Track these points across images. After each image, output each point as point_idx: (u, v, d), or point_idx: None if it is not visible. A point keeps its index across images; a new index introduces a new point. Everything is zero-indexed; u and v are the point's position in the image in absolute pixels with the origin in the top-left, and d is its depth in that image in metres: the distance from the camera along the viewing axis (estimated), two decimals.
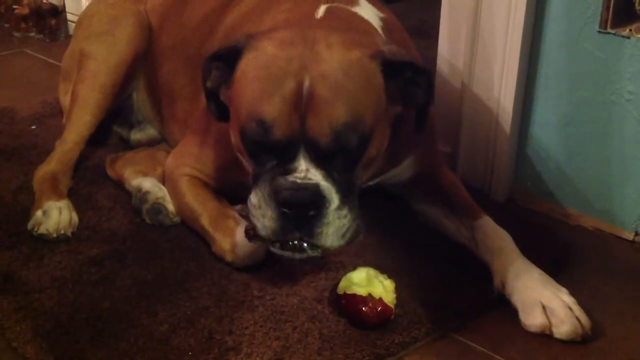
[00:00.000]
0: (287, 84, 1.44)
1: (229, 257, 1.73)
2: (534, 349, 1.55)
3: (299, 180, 1.44)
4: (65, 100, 2.27)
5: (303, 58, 1.46)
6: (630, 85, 1.83)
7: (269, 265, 1.75)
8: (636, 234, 1.93)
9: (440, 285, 1.69)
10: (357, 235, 1.52)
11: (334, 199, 1.46)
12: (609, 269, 1.83)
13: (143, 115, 2.30)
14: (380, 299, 1.52)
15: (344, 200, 1.47)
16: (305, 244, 1.47)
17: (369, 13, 1.76)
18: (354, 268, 1.71)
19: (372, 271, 1.58)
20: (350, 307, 1.53)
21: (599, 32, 1.85)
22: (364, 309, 1.52)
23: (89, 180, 2.14)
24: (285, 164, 1.46)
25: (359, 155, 1.50)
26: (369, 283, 1.55)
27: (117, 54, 2.14)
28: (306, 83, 1.43)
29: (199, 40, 2.04)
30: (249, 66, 1.52)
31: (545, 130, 2.02)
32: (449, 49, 2.12)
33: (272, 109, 1.44)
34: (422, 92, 1.57)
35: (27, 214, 1.93)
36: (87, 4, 2.54)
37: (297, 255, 1.49)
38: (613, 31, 1.83)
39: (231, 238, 1.72)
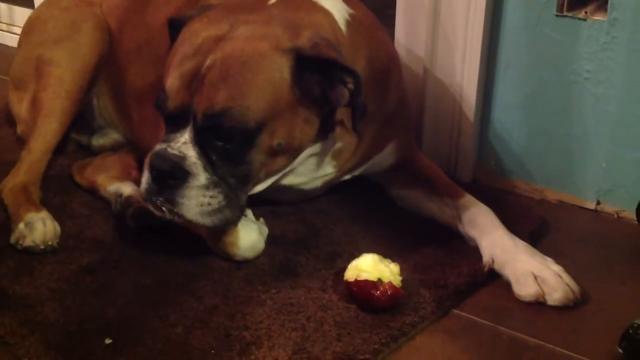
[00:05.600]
0: (190, 62, 1.57)
1: (230, 250, 1.75)
2: (531, 317, 1.64)
3: (169, 150, 1.57)
4: (20, 109, 2.21)
5: (216, 40, 1.58)
6: (588, 65, 1.96)
7: (266, 260, 1.79)
8: (597, 202, 2.06)
9: (434, 266, 1.76)
10: (226, 221, 1.64)
11: (200, 177, 1.57)
12: (579, 238, 1.96)
13: (105, 121, 2.27)
14: (390, 283, 1.58)
15: (217, 182, 1.58)
16: (165, 208, 1.60)
17: (336, 6, 1.77)
18: (349, 257, 1.77)
19: (376, 256, 1.63)
20: (362, 293, 1.58)
21: (557, 15, 1.96)
22: (375, 293, 1.57)
23: (57, 190, 2.10)
24: (172, 133, 1.59)
25: (245, 144, 1.57)
26: (376, 268, 1.60)
27: (81, 59, 2.10)
28: (206, 64, 1.55)
29: (167, 40, 2.03)
30: (179, 38, 1.66)
31: (507, 112, 2.12)
32: (407, 35, 2.19)
33: (172, 81, 1.58)
34: (350, 92, 1.61)
35: (2, 228, 1.89)
36: None
37: (159, 214, 1.62)
38: (570, 14, 1.94)
39: (233, 229, 1.74)
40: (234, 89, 1.54)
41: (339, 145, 1.81)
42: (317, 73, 1.59)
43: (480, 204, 1.85)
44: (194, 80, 1.56)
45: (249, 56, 1.56)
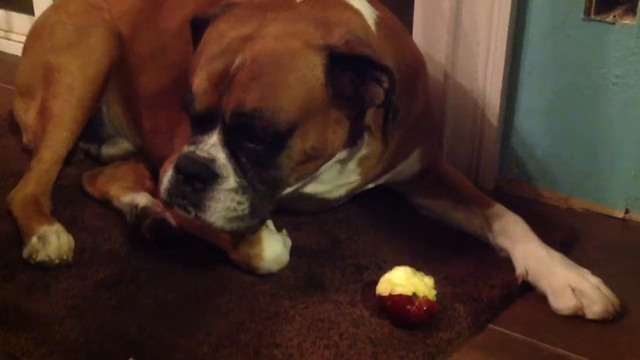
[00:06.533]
0: (218, 62, 1.51)
1: (254, 263, 1.69)
2: (570, 331, 1.58)
3: (197, 151, 1.51)
4: (26, 117, 2.14)
5: (244, 39, 1.51)
6: (616, 69, 1.90)
7: (290, 273, 1.72)
8: (626, 211, 2.01)
9: (466, 278, 1.70)
10: (249, 229, 1.57)
11: (230, 181, 1.50)
12: (608, 248, 1.89)
13: (115, 129, 2.20)
14: (425, 297, 1.52)
15: (246, 187, 1.52)
16: (190, 210, 1.53)
17: (364, 6, 1.72)
18: (376, 269, 1.72)
19: (409, 269, 1.57)
20: (396, 308, 1.52)
21: (584, 19, 1.91)
22: (411, 308, 1.51)
23: (67, 201, 2.03)
24: (199, 135, 1.53)
25: (276, 146, 1.51)
26: (410, 281, 1.54)
27: (92, 65, 2.04)
28: (235, 64, 1.49)
29: (182, 46, 1.96)
30: (204, 38, 1.60)
31: (531, 117, 2.07)
32: (426, 39, 2.12)
33: (199, 82, 1.52)
34: (384, 91, 1.55)
35: (12, 242, 1.82)
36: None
37: (183, 213, 1.55)
38: (598, 18, 1.89)
39: (257, 241, 1.67)
40: (266, 88, 1.48)
41: (364, 151, 1.75)
42: (350, 71, 1.53)
43: (511, 213, 1.79)
44: (223, 81, 1.50)
45: (280, 54, 1.49)
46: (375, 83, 1.54)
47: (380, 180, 1.90)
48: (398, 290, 1.52)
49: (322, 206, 1.92)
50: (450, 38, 2.08)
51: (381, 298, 1.55)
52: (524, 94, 2.05)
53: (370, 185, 1.91)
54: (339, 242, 1.86)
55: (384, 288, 1.55)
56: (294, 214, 1.92)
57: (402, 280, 1.54)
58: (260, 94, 1.48)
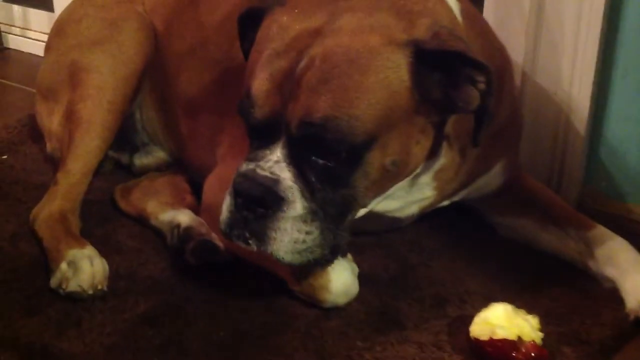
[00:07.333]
0: (281, 61, 1.29)
1: (319, 295, 1.45)
2: None
3: (258, 170, 1.28)
4: (50, 123, 1.90)
5: (313, 34, 1.29)
6: None
7: (360, 307, 1.48)
8: None
9: (570, 315, 1.46)
10: (319, 261, 1.34)
11: (297, 206, 1.28)
12: None
13: (149, 136, 1.98)
14: (533, 342, 1.28)
15: (315, 212, 1.28)
16: (252, 243, 1.31)
17: None
18: (460, 302, 1.48)
19: (509, 307, 1.33)
20: (499, 355, 1.28)
21: None
22: (517, 355, 1.27)
23: (99, 218, 1.81)
24: (260, 149, 1.31)
25: (351, 162, 1.27)
26: (512, 322, 1.30)
27: (124, 64, 1.81)
28: (302, 63, 1.27)
29: (226, 41, 1.73)
30: (262, 33, 1.38)
31: (623, 125, 1.84)
32: (499, 34, 1.86)
33: (259, 84, 1.30)
34: (479, 93, 1.30)
35: (37, 267, 1.59)
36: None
37: (243, 245, 1.32)
38: None
39: (323, 271, 1.44)
40: (339, 93, 1.24)
41: (441, 163, 1.50)
42: (438, 71, 1.29)
43: (617, 237, 1.55)
44: (287, 83, 1.27)
45: (356, 53, 1.25)
46: (469, 84, 1.29)
47: (456, 197, 1.66)
48: (500, 334, 1.29)
49: (389, 225, 1.68)
50: (530, 32, 1.84)
51: (479, 343, 1.31)
52: (616, 99, 1.83)
53: (445, 202, 1.66)
54: (411, 268, 1.63)
55: (482, 330, 1.31)
56: (354, 234, 1.68)
57: (503, 321, 1.30)
58: (332, 100, 1.24)
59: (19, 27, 3.13)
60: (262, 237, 1.29)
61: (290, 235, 1.28)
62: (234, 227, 1.31)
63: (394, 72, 1.27)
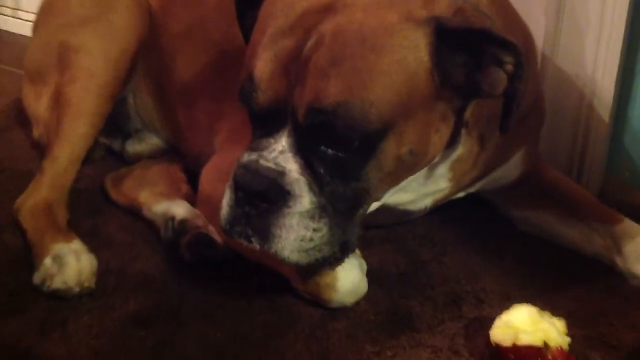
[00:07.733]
0: (287, 40, 1.19)
1: (325, 294, 1.35)
2: None
3: (261, 161, 1.18)
4: (37, 107, 1.79)
5: (322, 10, 1.18)
6: None
7: (369, 306, 1.38)
8: None
9: (596, 316, 1.37)
10: (328, 261, 1.24)
11: (304, 201, 1.18)
12: None
13: (143, 122, 1.88)
14: (560, 348, 1.18)
15: (324, 207, 1.18)
16: (254, 241, 1.21)
17: None
18: (477, 301, 1.38)
19: (534, 310, 1.23)
20: None
21: None
22: None
23: (88, 209, 1.71)
24: (264, 137, 1.21)
25: (364, 152, 1.16)
26: (537, 327, 1.20)
27: (115, 44, 1.70)
28: (310, 43, 1.16)
29: (225, 21, 1.61)
30: (265, 10, 1.26)
31: None
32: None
33: (262, 65, 1.20)
34: (507, 75, 1.19)
35: (20, 261, 1.49)
36: None
37: (245, 243, 1.22)
38: None
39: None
40: (351, 76, 1.13)
41: (458, 152, 1.39)
42: (462, 51, 1.17)
43: None
44: (294, 65, 1.16)
45: (370, 31, 1.14)
46: (496, 66, 1.17)
47: (472, 188, 1.56)
48: (524, 339, 1.19)
49: (400, 218, 1.57)
50: (550, 10, 1.75)
51: (500, 349, 1.20)
52: None
53: (461, 194, 1.56)
54: (423, 264, 1.53)
55: (504, 335, 1.21)
56: (363, 228, 1.57)
57: (527, 326, 1.20)
58: (343, 84, 1.13)
59: (10, 8, 3.03)
60: (265, 235, 1.19)
61: (297, 232, 1.18)
62: (235, 223, 1.21)
63: (413, 52, 1.16)
